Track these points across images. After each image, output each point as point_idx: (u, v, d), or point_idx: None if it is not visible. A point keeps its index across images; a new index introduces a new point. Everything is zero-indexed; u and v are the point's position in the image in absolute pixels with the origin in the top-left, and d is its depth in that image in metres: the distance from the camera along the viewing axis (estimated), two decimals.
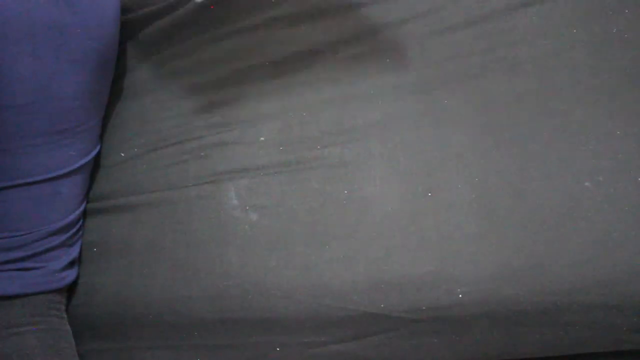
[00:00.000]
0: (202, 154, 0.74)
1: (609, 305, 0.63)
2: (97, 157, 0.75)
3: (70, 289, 0.70)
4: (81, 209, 0.72)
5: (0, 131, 0.62)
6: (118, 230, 0.72)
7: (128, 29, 0.77)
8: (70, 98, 0.67)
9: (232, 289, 0.65)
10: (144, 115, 0.80)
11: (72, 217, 0.70)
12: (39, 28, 0.63)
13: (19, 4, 0.62)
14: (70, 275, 0.69)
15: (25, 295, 0.65)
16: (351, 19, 0.79)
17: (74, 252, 0.70)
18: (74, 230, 0.70)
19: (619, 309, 0.63)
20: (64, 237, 0.68)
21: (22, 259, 0.65)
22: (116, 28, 0.72)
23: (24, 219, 0.65)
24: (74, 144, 0.69)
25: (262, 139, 0.74)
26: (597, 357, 0.70)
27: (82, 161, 0.71)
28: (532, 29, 0.73)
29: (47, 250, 0.67)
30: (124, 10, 0.76)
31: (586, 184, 0.64)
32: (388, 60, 0.74)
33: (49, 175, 0.67)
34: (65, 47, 0.65)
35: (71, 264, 0.69)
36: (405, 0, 0.77)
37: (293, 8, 0.74)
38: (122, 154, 0.77)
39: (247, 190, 0.70)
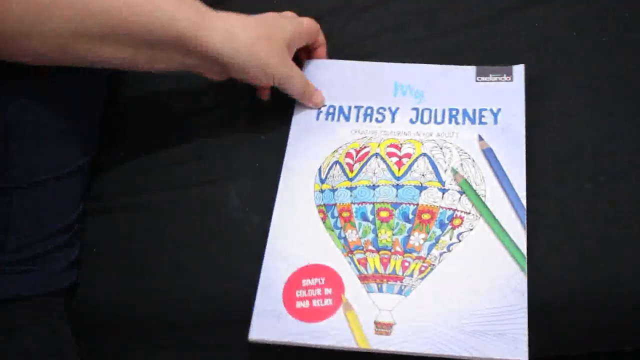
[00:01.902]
0: (202, 153, 0.74)
1: (609, 305, 0.63)
2: (97, 156, 0.75)
3: (70, 290, 0.70)
4: (80, 209, 0.71)
5: (3, 133, 0.62)
6: (118, 230, 0.72)
7: None
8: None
9: (232, 289, 0.65)
10: (144, 114, 0.80)
11: (72, 217, 0.69)
12: None
13: None
14: (71, 276, 0.69)
15: (26, 297, 0.65)
16: (352, 20, 0.79)
17: (74, 253, 0.70)
18: (74, 230, 0.70)
19: (619, 309, 0.63)
20: (64, 237, 0.68)
21: (23, 261, 0.65)
22: None
23: (24, 220, 0.65)
24: (75, 143, 0.69)
25: (262, 137, 0.74)
26: (597, 357, 0.71)
27: (83, 161, 0.70)
28: (532, 29, 0.74)
29: (48, 251, 0.66)
30: None
31: (586, 185, 0.64)
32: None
33: (50, 176, 0.66)
34: None
35: (72, 265, 0.69)
36: (405, 1, 0.78)
37: (293, 8, 0.74)
38: (122, 153, 0.77)
39: (247, 191, 0.70)
